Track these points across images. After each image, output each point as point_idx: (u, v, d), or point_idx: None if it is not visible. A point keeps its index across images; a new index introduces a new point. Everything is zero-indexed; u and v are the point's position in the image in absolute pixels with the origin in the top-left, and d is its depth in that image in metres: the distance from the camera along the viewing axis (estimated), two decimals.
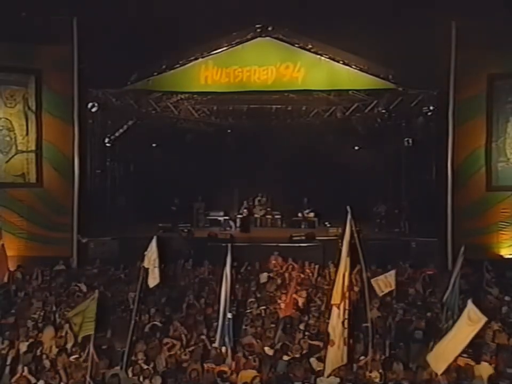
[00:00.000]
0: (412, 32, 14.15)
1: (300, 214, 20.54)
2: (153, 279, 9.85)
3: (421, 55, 14.49)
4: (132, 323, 8.76)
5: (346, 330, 7.98)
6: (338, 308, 8.03)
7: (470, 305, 7.30)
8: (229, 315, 8.61)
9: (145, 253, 9.68)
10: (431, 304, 11.25)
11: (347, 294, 8.11)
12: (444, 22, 15.40)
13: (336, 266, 8.72)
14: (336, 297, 8.09)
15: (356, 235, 8.31)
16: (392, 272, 11.26)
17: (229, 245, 9.58)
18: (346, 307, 8.08)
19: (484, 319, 7.07)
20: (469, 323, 7.14)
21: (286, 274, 13.87)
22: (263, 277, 13.72)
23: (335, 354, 7.92)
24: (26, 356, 8.52)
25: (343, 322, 7.97)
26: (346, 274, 8.13)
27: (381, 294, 10.99)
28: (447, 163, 16.16)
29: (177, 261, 14.77)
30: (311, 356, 8.64)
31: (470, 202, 16.18)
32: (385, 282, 11.06)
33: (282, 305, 11.18)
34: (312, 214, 20.23)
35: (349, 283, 8.27)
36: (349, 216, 8.39)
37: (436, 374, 7.59)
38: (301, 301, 11.56)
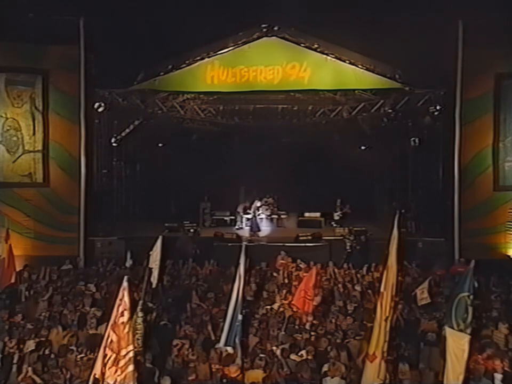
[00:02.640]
0: (419, 31, 14.08)
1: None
2: (155, 280, 9.88)
3: (427, 55, 14.44)
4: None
5: (386, 344, 7.33)
6: (386, 321, 7.33)
7: (447, 331, 6.93)
8: (240, 317, 8.54)
9: (150, 253, 9.67)
10: (438, 304, 11.18)
11: (392, 304, 7.38)
12: (450, 21, 15.35)
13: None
14: (387, 310, 7.32)
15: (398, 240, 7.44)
16: (425, 283, 11.11)
17: (243, 244, 9.48)
18: (389, 319, 7.36)
19: (466, 337, 6.72)
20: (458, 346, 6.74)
21: (291, 274, 13.87)
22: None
23: (374, 370, 7.32)
24: (32, 355, 8.53)
25: (385, 335, 7.33)
26: (395, 283, 7.33)
27: (420, 304, 10.90)
28: (454, 163, 16.09)
29: (183, 261, 14.77)
30: (319, 356, 8.60)
31: (477, 202, 16.11)
32: (421, 292, 10.98)
33: (287, 305, 11.19)
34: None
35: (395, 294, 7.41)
36: (397, 219, 7.51)
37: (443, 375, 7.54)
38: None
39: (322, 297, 11.71)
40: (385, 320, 7.28)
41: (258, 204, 19.89)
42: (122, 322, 6.43)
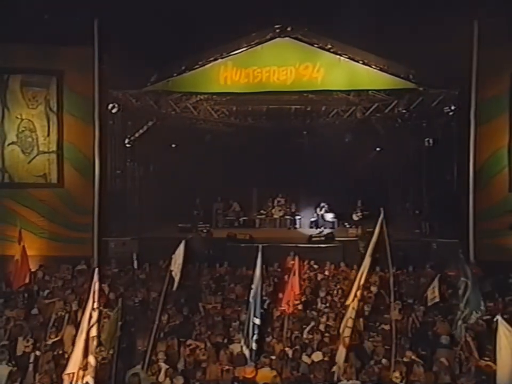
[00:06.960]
0: (433, 31, 13.98)
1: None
2: (175, 282, 9.91)
3: (442, 54, 14.32)
4: (156, 323, 8.78)
5: (349, 330, 8.00)
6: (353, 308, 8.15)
7: (500, 322, 6.95)
8: (257, 321, 8.48)
9: (173, 256, 9.69)
10: (452, 306, 11.08)
11: (358, 293, 8.11)
12: (465, 21, 15.22)
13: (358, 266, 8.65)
14: (350, 297, 8.19)
15: (386, 236, 8.30)
16: (435, 281, 11.09)
17: (260, 246, 9.39)
18: (354, 306, 8.09)
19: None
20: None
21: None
22: None
23: (342, 354, 8.01)
24: (47, 354, 8.58)
25: (347, 322, 8.05)
26: (364, 273, 8.15)
27: (430, 304, 10.85)
28: (468, 163, 15.96)
29: (196, 261, 14.78)
30: (332, 357, 8.56)
31: (492, 203, 15.98)
32: (432, 292, 10.93)
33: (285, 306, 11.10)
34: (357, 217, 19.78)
35: (364, 283, 8.27)
36: (382, 217, 8.31)
37: (459, 377, 7.49)
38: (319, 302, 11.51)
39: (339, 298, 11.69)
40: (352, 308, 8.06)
41: (324, 205, 19.79)
42: (91, 318, 6.73)
